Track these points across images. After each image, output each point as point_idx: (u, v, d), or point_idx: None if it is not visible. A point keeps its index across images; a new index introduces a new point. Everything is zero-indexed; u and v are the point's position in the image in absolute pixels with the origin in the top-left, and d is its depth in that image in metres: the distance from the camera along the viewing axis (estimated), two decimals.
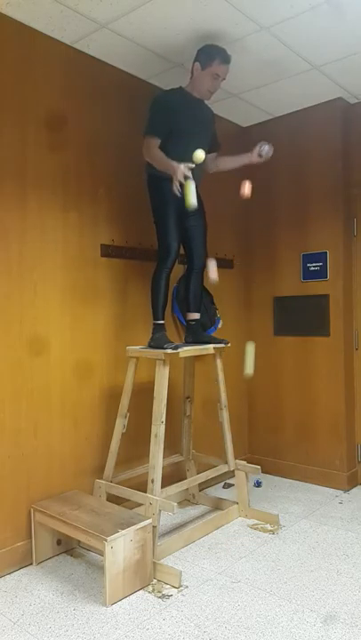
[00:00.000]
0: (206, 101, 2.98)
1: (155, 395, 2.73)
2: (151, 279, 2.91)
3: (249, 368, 3.01)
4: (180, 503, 3.42)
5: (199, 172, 3.00)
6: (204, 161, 2.72)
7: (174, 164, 2.59)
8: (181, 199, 2.58)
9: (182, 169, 2.54)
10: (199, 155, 2.60)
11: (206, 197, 3.12)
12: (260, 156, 2.92)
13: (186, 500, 3.48)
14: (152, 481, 2.64)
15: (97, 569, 2.61)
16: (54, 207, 2.82)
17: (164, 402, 2.72)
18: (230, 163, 3.12)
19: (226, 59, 2.79)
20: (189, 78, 2.91)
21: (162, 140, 2.77)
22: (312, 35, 2.83)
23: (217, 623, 2.14)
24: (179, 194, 2.61)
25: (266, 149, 2.89)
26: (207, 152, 3.04)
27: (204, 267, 3.12)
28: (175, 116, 2.79)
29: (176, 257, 2.91)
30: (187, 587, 2.43)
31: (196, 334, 3.08)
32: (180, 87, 2.92)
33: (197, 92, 2.88)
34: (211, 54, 2.77)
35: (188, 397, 3.30)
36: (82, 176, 2.97)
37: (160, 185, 2.85)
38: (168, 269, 2.89)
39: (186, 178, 2.55)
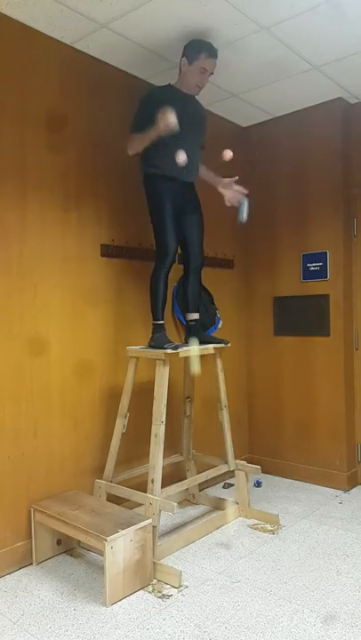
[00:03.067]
0: (197, 97, 2.97)
1: (155, 395, 2.73)
2: (150, 279, 2.91)
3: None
4: (180, 503, 3.41)
5: (196, 172, 3.00)
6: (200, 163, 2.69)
7: (156, 126, 2.61)
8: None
9: (167, 118, 2.54)
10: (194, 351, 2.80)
11: (206, 197, 3.12)
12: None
13: (186, 500, 3.48)
14: (152, 481, 2.64)
15: (97, 569, 2.61)
16: (54, 207, 2.82)
17: (164, 402, 2.72)
18: (204, 173, 3.09)
19: (212, 52, 2.79)
20: (178, 74, 2.92)
21: None
22: (312, 35, 2.83)
23: (217, 623, 2.14)
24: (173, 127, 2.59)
25: (244, 207, 2.88)
26: (200, 148, 3.04)
27: (201, 266, 3.11)
28: None
29: (174, 257, 2.90)
30: (187, 587, 2.43)
31: (196, 334, 3.08)
32: (169, 84, 2.93)
33: (186, 88, 2.89)
34: (197, 49, 2.78)
35: (188, 397, 3.30)
36: (82, 176, 2.97)
37: (156, 184, 2.85)
38: (166, 269, 2.88)
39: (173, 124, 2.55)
